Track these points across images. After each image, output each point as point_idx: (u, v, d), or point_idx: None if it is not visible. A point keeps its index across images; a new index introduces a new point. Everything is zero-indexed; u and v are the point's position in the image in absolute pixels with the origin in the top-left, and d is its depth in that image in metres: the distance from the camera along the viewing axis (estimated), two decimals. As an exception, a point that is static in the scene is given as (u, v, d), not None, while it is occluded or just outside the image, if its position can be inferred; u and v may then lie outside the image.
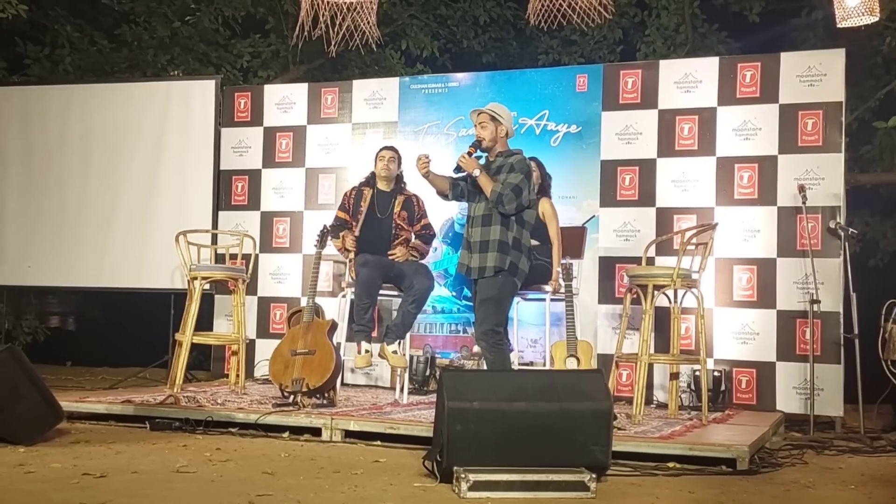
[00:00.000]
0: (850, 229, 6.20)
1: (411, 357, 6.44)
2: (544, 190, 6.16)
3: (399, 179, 6.27)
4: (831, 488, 4.04)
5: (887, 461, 4.82)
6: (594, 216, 6.63)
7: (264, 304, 7.51)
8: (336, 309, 6.46)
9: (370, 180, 6.24)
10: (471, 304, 6.57)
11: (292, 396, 5.46)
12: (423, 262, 6.17)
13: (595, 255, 6.61)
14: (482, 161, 5.28)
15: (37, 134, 7.85)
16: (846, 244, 6.09)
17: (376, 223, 6.08)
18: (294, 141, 7.60)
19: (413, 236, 6.19)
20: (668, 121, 6.60)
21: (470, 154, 5.23)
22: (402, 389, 6.01)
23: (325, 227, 6.15)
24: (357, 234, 6.05)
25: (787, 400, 6.12)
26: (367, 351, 5.79)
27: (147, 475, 3.87)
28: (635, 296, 5.48)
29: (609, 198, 6.67)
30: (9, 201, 7.86)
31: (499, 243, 5.09)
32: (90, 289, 8.07)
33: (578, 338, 5.95)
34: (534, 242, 5.70)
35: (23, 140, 7.87)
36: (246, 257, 6.83)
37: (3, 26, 8.44)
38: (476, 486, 3.58)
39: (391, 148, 6.30)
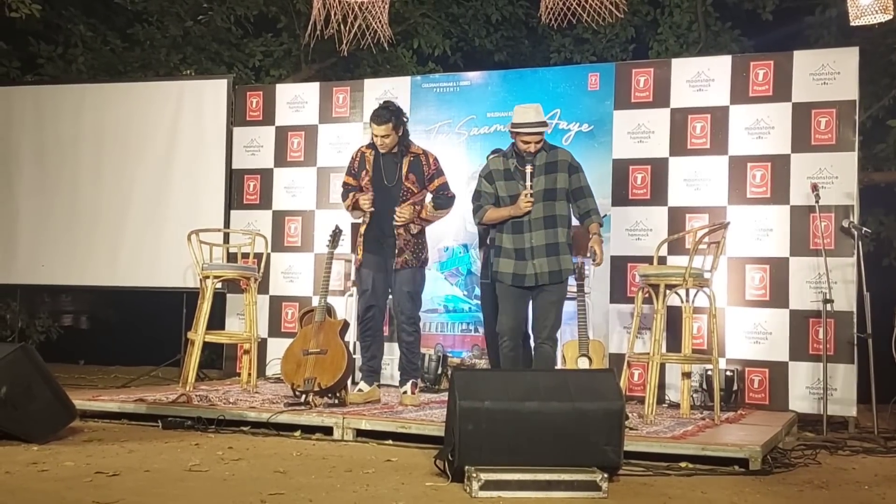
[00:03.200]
0: (864, 228, 6.17)
1: (422, 355, 6.44)
2: None
3: (402, 140, 5.75)
4: (845, 489, 4.02)
5: (901, 462, 4.80)
6: (606, 215, 6.61)
7: (276, 303, 7.52)
8: (346, 308, 6.48)
9: (374, 145, 5.77)
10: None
11: (304, 396, 5.46)
12: (422, 263, 5.80)
13: (607, 255, 6.58)
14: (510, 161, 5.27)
15: (50, 133, 7.88)
16: (860, 243, 6.06)
17: (384, 192, 5.73)
18: (306, 140, 7.60)
19: (428, 196, 5.81)
20: (680, 119, 6.57)
21: (531, 172, 5.10)
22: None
23: (336, 226, 6.14)
24: (371, 198, 5.72)
25: (800, 400, 6.09)
26: (360, 390, 5.78)
27: (159, 474, 3.88)
28: (647, 295, 5.46)
29: (621, 197, 6.65)
30: (22, 200, 7.90)
31: (567, 246, 5.18)
32: (103, 287, 8.10)
33: (590, 337, 5.94)
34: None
35: (36, 139, 7.91)
36: (258, 256, 6.84)
37: (16, 26, 8.48)
38: (488, 486, 3.58)
39: (382, 120, 5.60)
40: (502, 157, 5.32)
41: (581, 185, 5.23)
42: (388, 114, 5.65)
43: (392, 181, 5.73)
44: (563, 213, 5.20)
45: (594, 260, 5.16)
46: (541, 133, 5.19)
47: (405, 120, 5.77)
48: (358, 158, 5.90)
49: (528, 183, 5.12)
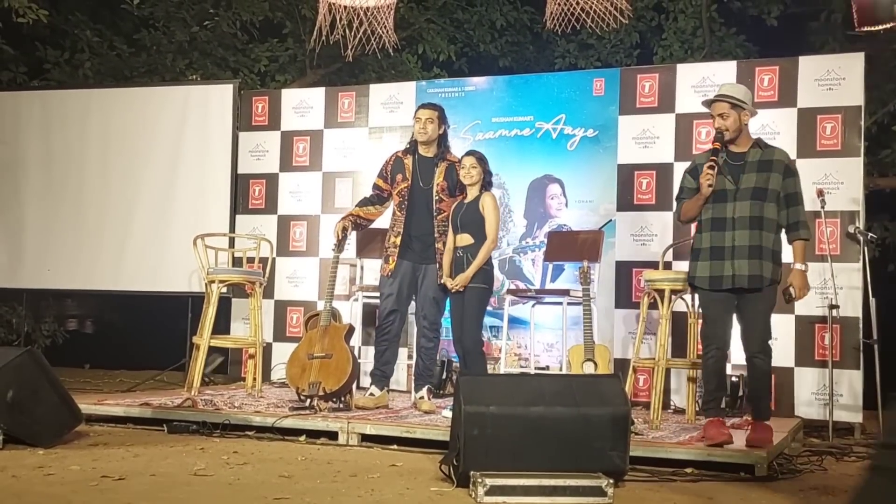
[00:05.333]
0: (870, 234, 6.17)
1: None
2: (486, 185, 5.80)
3: (442, 142, 5.86)
4: (851, 495, 4.01)
5: (907, 468, 4.78)
6: (611, 220, 6.61)
7: (281, 308, 7.53)
8: (351, 313, 6.48)
9: (412, 147, 5.89)
10: (487, 308, 6.53)
11: (309, 400, 5.46)
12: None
13: (612, 260, 6.59)
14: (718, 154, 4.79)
15: (56, 138, 7.90)
16: (865, 249, 6.05)
17: (419, 195, 5.79)
18: (311, 145, 7.62)
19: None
20: (685, 124, 6.57)
21: (717, 148, 4.74)
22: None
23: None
24: (400, 230, 5.78)
25: (806, 405, 6.08)
26: (371, 394, 5.78)
27: (165, 478, 3.88)
28: (652, 300, 5.46)
29: (626, 202, 6.65)
30: (29, 205, 7.91)
31: (773, 253, 4.70)
32: (108, 292, 8.13)
33: (596, 342, 5.94)
34: (469, 241, 5.67)
35: (42, 144, 7.93)
36: (263, 261, 6.85)
37: (23, 31, 8.52)
38: (493, 491, 3.57)
39: (429, 106, 5.87)
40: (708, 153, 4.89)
41: (792, 191, 4.74)
42: (436, 106, 5.89)
43: (428, 184, 5.79)
44: (771, 216, 4.70)
45: (788, 298, 4.77)
46: (727, 102, 4.77)
47: (448, 125, 5.93)
48: (392, 161, 5.92)
49: (716, 158, 4.73)
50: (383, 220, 6.08)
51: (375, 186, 6.00)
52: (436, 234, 5.76)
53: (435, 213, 5.78)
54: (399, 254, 5.78)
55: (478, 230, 5.70)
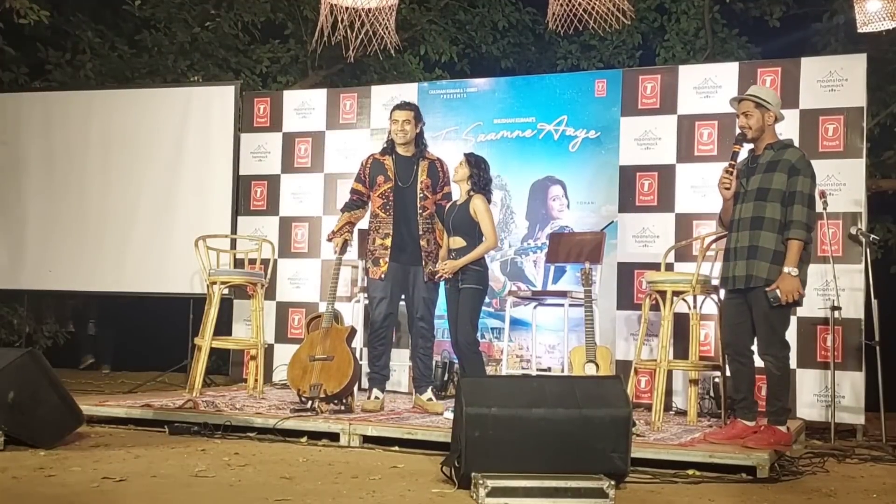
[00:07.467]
0: (872, 235, 6.16)
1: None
2: (476, 187, 5.74)
3: (419, 141, 5.83)
4: (853, 497, 4.00)
5: (910, 470, 4.78)
6: (613, 222, 6.60)
7: (283, 309, 7.53)
8: (352, 314, 6.47)
9: (389, 148, 5.83)
10: (488, 310, 6.54)
11: (310, 402, 5.46)
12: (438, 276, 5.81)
13: (614, 261, 6.59)
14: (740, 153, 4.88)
15: (58, 139, 7.90)
16: (867, 250, 6.04)
17: (401, 195, 5.74)
18: (313, 146, 7.62)
19: (434, 209, 5.82)
20: (687, 126, 6.56)
21: (736, 151, 4.83)
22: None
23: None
24: (389, 231, 5.71)
25: (808, 407, 6.07)
26: (376, 397, 5.76)
27: (166, 479, 3.88)
28: (654, 302, 5.45)
29: (628, 203, 6.64)
30: (30, 206, 7.92)
31: (774, 253, 4.66)
32: (110, 294, 8.12)
33: (597, 343, 5.93)
34: (461, 244, 5.66)
35: (44, 145, 7.93)
36: (265, 262, 6.85)
37: (25, 32, 8.52)
38: (494, 493, 3.57)
39: (406, 106, 5.81)
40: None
41: (794, 189, 4.67)
42: (412, 105, 5.86)
43: (407, 182, 5.75)
44: (773, 216, 4.69)
45: (774, 301, 4.64)
46: (752, 100, 4.80)
47: (423, 122, 5.88)
48: (370, 164, 5.87)
49: (734, 162, 4.83)
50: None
51: (354, 191, 5.92)
52: (420, 232, 5.75)
53: (420, 212, 5.76)
54: (391, 256, 5.74)
55: (468, 233, 5.70)
